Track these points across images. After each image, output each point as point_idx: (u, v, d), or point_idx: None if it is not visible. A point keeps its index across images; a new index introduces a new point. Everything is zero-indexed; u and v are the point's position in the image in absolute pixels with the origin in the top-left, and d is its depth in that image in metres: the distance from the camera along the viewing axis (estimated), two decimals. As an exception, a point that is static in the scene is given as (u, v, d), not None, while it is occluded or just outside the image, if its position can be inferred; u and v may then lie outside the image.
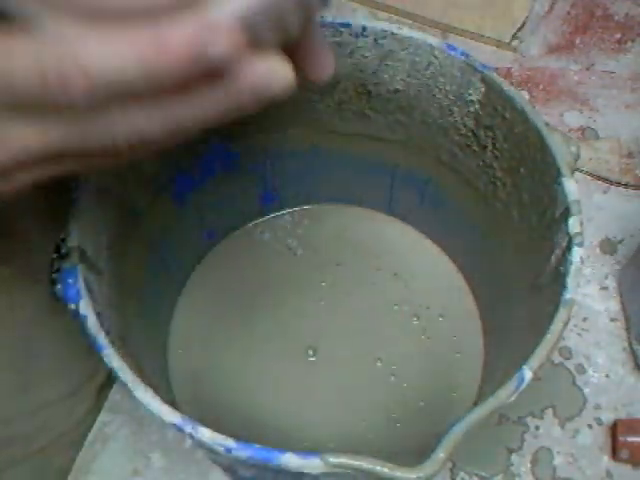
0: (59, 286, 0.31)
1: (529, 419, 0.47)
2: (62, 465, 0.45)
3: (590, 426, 0.47)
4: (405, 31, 0.39)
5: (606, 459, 0.46)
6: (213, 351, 0.48)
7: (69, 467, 0.45)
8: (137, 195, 0.40)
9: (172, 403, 0.30)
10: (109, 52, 0.16)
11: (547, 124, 0.36)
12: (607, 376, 0.49)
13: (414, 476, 0.26)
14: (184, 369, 0.47)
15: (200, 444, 0.29)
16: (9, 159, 0.19)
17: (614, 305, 0.52)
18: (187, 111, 0.18)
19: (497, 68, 0.64)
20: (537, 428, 0.47)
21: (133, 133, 0.19)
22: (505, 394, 0.29)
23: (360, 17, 0.63)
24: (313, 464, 0.27)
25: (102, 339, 0.30)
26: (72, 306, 0.31)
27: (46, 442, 0.42)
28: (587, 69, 0.64)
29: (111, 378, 0.46)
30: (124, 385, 0.29)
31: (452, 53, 0.38)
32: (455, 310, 0.50)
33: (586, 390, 0.49)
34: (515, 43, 0.65)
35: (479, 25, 0.65)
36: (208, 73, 0.17)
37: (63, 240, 0.32)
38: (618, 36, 0.66)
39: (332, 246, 0.53)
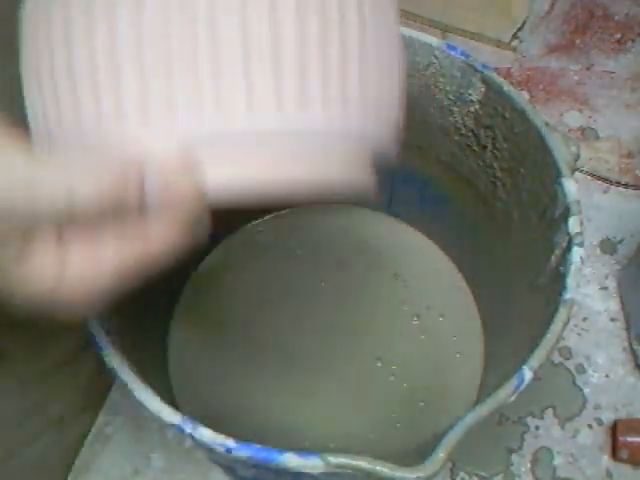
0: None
1: (529, 419, 0.47)
2: (74, 441, 0.46)
3: (590, 426, 0.47)
4: (405, 31, 0.39)
5: (606, 459, 0.46)
6: (213, 351, 0.48)
7: (80, 445, 0.46)
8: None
9: (172, 403, 0.30)
10: None
11: (547, 124, 0.36)
12: (607, 376, 0.49)
13: (414, 476, 0.26)
14: (184, 369, 0.47)
15: (200, 444, 0.29)
16: None
17: (614, 305, 0.52)
18: None
19: (497, 68, 0.64)
20: (537, 428, 0.47)
21: None
22: (505, 394, 0.29)
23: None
24: (313, 464, 0.27)
25: (102, 339, 0.30)
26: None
27: (60, 412, 0.43)
28: (587, 69, 0.64)
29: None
30: (124, 385, 0.29)
31: (452, 53, 0.38)
32: (455, 310, 0.50)
33: (586, 390, 0.49)
34: (515, 43, 0.65)
35: (479, 25, 0.65)
36: None
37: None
38: (618, 36, 0.66)
39: (332, 246, 0.53)
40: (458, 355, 0.48)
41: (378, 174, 0.26)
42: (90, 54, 0.20)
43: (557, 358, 0.50)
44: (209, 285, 0.51)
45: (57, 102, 0.21)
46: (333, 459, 0.26)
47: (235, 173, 0.21)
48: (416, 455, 0.27)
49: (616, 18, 0.67)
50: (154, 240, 0.21)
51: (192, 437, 0.28)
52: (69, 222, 0.19)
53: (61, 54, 0.21)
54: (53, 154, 0.22)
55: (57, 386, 0.43)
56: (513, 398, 0.29)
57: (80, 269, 0.20)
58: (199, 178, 0.20)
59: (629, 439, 0.45)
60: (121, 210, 0.20)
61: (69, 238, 0.20)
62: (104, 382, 0.48)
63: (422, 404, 0.46)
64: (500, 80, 0.38)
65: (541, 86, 0.63)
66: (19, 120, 0.22)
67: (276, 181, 0.21)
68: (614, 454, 0.46)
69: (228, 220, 0.53)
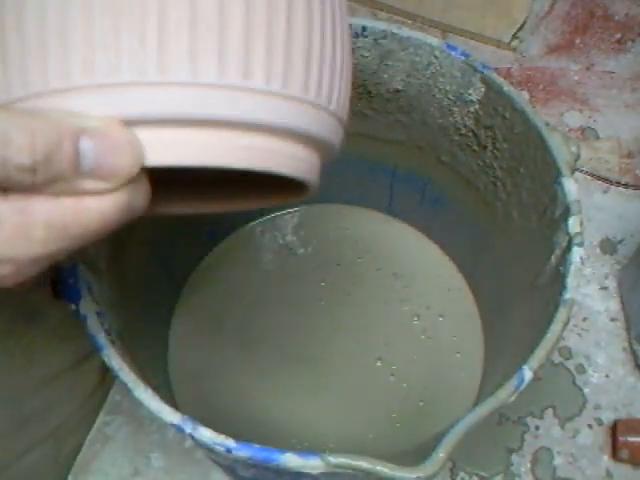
0: (60, 286, 0.31)
1: (529, 419, 0.47)
2: (70, 451, 0.45)
3: (590, 426, 0.47)
4: (405, 31, 0.39)
5: (606, 459, 0.46)
6: (213, 351, 0.48)
7: (75, 455, 0.46)
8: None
9: (172, 403, 0.30)
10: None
11: (547, 124, 0.36)
12: (607, 376, 0.49)
13: (414, 476, 0.26)
14: (184, 369, 0.48)
15: (200, 444, 0.29)
16: None
17: (614, 305, 0.52)
18: None
19: (497, 68, 0.64)
20: (537, 428, 0.47)
21: None
22: (505, 394, 0.29)
23: (360, 17, 0.63)
24: (313, 464, 0.27)
25: (102, 339, 0.30)
26: (72, 306, 0.31)
27: (56, 423, 0.43)
28: (587, 69, 0.64)
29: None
30: (124, 385, 0.29)
31: (452, 53, 0.38)
32: (455, 310, 0.50)
33: (586, 390, 0.49)
34: (515, 43, 0.65)
35: (479, 25, 0.65)
36: None
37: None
38: (618, 36, 0.66)
39: (332, 246, 0.53)
40: (458, 355, 0.48)
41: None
42: (40, 13, 0.20)
43: (557, 358, 0.50)
44: (209, 285, 0.51)
45: (5, 62, 0.21)
46: (333, 459, 0.26)
47: (171, 152, 0.21)
48: (416, 455, 0.27)
49: (616, 18, 0.67)
50: (86, 205, 0.20)
51: (192, 437, 0.28)
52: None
53: (12, 14, 0.20)
54: None
55: (54, 397, 0.42)
56: (513, 398, 0.29)
57: (9, 231, 0.19)
58: (137, 150, 0.20)
59: (629, 439, 0.45)
60: (51, 170, 0.19)
61: None
62: (104, 394, 0.48)
63: (422, 404, 0.46)
64: (500, 80, 0.38)
65: (541, 86, 0.63)
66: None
67: (211, 165, 0.21)
68: (614, 454, 0.46)
69: (228, 220, 0.53)
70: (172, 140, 0.21)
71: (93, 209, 0.20)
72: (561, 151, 0.35)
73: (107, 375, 0.47)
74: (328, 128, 0.24)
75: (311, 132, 0.23)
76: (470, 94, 0.39)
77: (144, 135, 0.20)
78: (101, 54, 0.20)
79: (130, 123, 0.20)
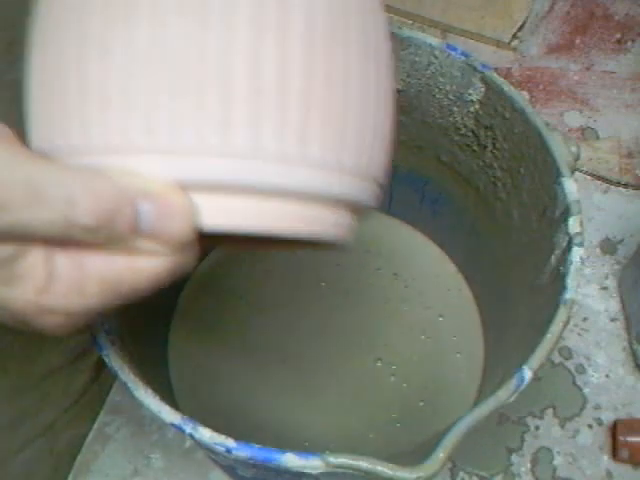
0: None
1: (529, 419, 0.47)
2: (65, 447, 0.46)
3: (590, 426, 0.47)
4: (405, 31, 0.39)
5: (606, 459, 0.46)
6: (213, 351, 0.48)
7: (70, 451, 0.46)
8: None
9: (172, 403, 0.30)
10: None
11: (547, 124, 0.36)
12: (607, 376, 0.49)
13: (414, 476, 0.26)
14: (184, 369, 0.47)
15: (200, 444, 0.29)
16: None
17: (614, 305, 0.52)
18: None
19: (497, 68, 0.64)
20: (537, 428, 0.47)
21: None
22: (505, 394, 0.29)
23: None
24: (313, 464, 0.27)
25: (102, 339, 0.30)
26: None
27: (52, 419, 0.43)
28: (587, 69, 0.64)
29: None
30: (124, 385, 0.29)
31: (452, 53, 0.38)
32: (455, 310, 0.50)
33: (586, 390, 0.49)
34: (515, 43, 0.65)
35: (479, 25, 0.65)
36: None
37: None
38: (618, 36, 0.66)
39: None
40: (458, 355, 0.48)
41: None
42: (104, 70, 0.20)
43: (557, 358, 0.50)
44: (209, 285, 0.51)
45: (65, 113, 0.21)
46: (333, 459, 0.26)
47: (226, 218, 0.21)
48: (416, 455, 0.27)
49: (616, 18, 0.67)
50: (140, 265, 0.20)
51: (192, 437, 0.28)
52: (63, 233, 0.19)
53: (74, 66, 0.20)
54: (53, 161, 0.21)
55: (50, 392, 0.43)
56: (513, 398, 0.29)
57: (65, 285, 0.20)
58: (193, 216, 0.20)
59: (629, 439, 0.45)
60: (111, 231, 0.19)
61: (56, 251, 0.20)
62: (99, 389, 0.48)
63: (422, 404, 0.46)
64: (500, 80, 0.38)
65: (541, 86, 0.63)
66: (17, 125, 0.22)
67: (264, 233, 0.22)
68: (614, 454, 0.46)
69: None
70: (227, 206, 0.21)
71: (146, 269, 0.20)
72: (561, 151, 0.35)
73: (102, 372, 0.47)
74: (372, 195, 0.25)
75: (358, 201, 0.24)
76: (470, 94, 0.39)
77: (200, 199, 0.20)
78: (164, 118, 0.20)
79: (187, 187, 0.20)
